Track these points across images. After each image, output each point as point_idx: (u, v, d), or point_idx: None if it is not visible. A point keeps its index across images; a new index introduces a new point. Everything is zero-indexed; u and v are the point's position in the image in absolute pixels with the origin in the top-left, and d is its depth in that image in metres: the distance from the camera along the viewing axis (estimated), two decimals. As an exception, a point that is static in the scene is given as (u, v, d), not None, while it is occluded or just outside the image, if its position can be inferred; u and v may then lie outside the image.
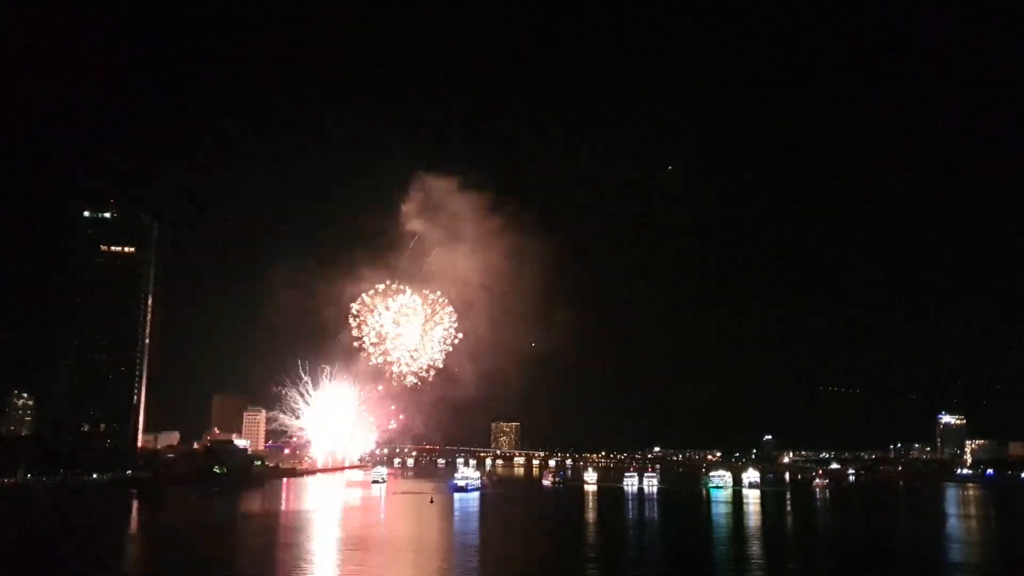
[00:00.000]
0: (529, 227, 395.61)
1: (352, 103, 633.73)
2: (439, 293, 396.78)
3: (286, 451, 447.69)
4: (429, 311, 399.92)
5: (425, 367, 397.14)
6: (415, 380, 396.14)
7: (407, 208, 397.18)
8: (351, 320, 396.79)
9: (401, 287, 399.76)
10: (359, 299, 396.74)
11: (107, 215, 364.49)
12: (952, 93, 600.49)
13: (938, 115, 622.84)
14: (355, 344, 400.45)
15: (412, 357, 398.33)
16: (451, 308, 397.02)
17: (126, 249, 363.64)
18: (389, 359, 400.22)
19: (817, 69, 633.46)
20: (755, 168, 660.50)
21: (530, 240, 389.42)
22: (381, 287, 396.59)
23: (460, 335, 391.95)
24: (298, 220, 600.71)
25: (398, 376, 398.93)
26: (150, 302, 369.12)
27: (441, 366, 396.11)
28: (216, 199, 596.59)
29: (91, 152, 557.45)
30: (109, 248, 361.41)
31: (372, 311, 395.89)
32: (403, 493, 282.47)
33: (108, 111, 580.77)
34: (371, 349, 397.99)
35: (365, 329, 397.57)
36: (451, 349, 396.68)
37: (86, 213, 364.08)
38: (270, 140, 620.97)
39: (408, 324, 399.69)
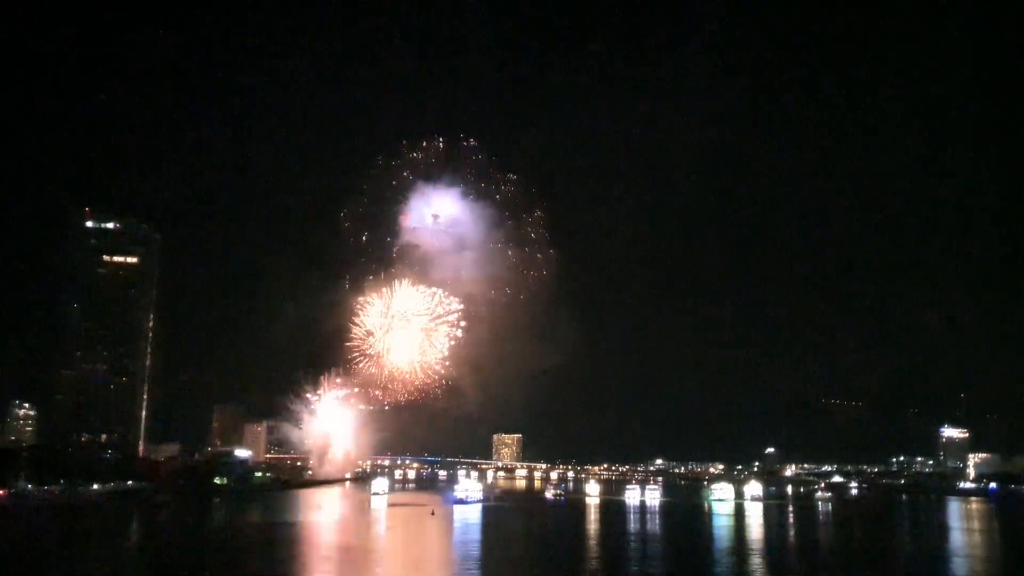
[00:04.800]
0: (534, 239, 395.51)
1: (356, 113, 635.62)
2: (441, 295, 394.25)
3: (287, 462, 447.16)
4: (432, 319, 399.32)
5: (428, 374, 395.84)
6: (416, 387, 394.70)
7: (410, 219, 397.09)
8: (352, 330, 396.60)
9: (403, 296, 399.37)
10: (360, 309, 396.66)
11: (110, 225, 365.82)
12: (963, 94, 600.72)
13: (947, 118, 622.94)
14: (356, 354, 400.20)
15: (414, 365, 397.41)
16: (454, 315, 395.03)
17: (129, 259, 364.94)
18: (392, 368, 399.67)
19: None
20: (757, 179, 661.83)
21: (535, 252, 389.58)
22: (381, 300, 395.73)
23: (459, 332, 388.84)
24: (301, 231, 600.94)
25: (400, 384, 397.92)
26: (152, 312, 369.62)
27: (442, 372, 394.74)
28: (219, 210, 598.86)
29: (94, 162, 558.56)
30: (112, 258, 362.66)
31: (372, 321, 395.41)
32: (404, 505, 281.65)
33: (112, 121, 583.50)
34: (370, 354, 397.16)
35: (366, 338, 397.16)
36: (449, 354, 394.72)
37: (89, 223, 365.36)
38: (273, 151, 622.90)
39: (410, 332, 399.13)
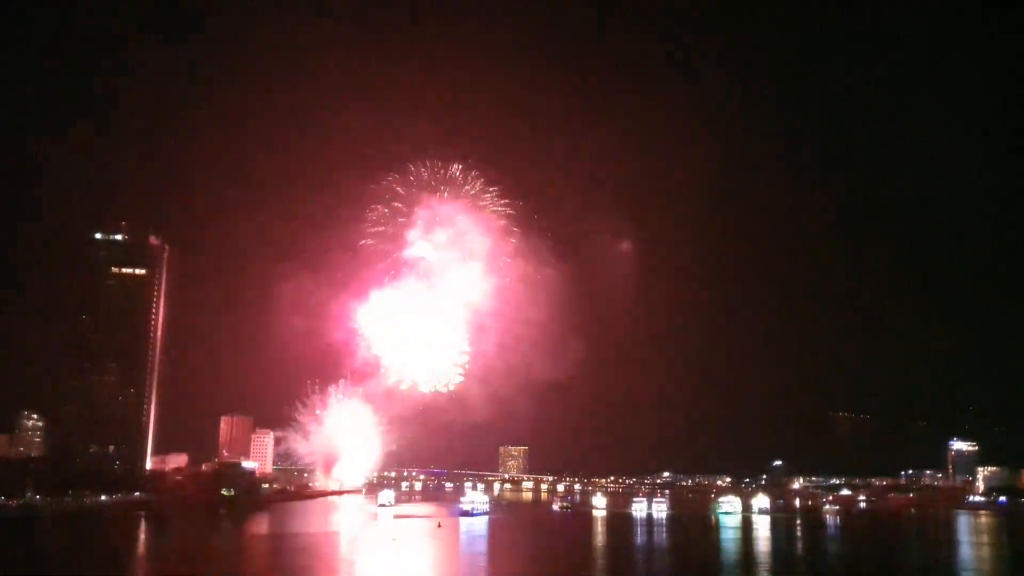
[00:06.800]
0: (542, 252, 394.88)
1: (362, 123, 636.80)
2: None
3: (294, 473, 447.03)
4: (438, 330, 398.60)
5: (434, 386, 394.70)
6: (423, 398, 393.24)
7: (417, 230, 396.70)
8: (358, 342, 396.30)
9: (410, 309, 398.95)
10: (366, 321, 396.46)
11: (118, 237, 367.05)
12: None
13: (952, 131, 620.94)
14: (362, 365, 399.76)
15: (421, 377, 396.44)
16: (460, 326, 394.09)
17: (136, 271, 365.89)
18: (399, 380, 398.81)
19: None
20: (763, 191, 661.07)
21: (543, 265, 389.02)
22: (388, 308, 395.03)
23: (466, 343, 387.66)
24: (308, 243, 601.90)
25: (407, 396, 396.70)
26: (160, 324, 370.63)
27: (448, 384, 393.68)
28: (226, 222, 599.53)
29: (103, 174, 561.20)
30: (120, 270, 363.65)
31: (378, 332, 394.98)
32: (410, 517, 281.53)
33: (121, 133, 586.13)
34: (376, 366, 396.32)
35: (372, 350, 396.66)
36: (462, 368, 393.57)
37: (97, 235, 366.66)
38: (281, 164, 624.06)
39: (417, 344, 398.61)
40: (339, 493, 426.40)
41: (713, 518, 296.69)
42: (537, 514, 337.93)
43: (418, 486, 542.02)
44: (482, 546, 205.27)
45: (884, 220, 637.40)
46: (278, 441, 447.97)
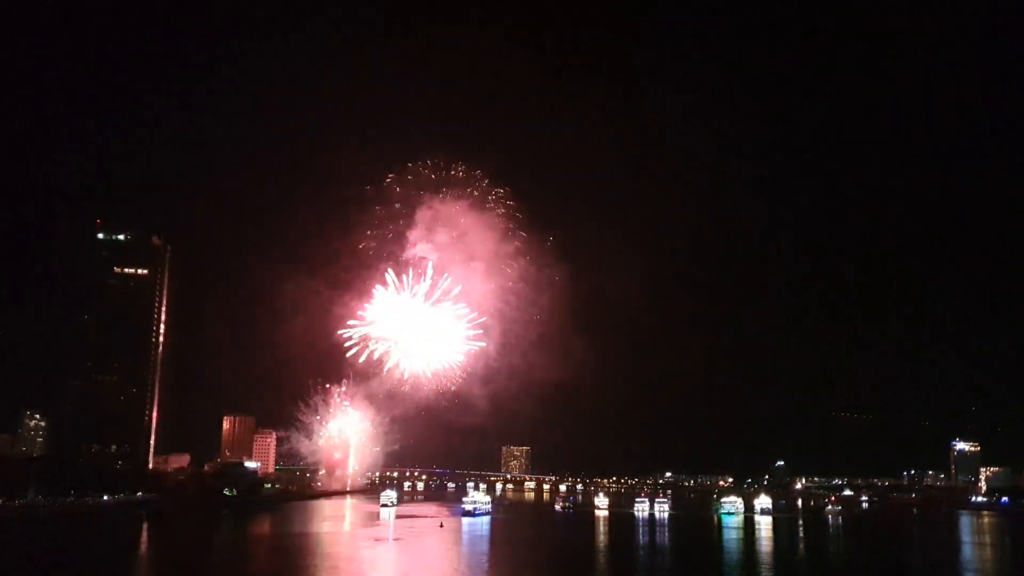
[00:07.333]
0: (545, 252, 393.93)
1: (364, 125, 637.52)
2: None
3: (297, 473, 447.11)
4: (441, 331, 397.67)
5: (437, 386, 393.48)
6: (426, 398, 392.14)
7: (419, 230, 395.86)
8: (361, 341, 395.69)
9: (412, 308, 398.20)
10: (368, 320, 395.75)
11: (121, 237, 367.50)
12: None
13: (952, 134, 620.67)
14: (365, 365, 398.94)
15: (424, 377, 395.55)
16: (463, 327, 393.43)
17: (139, 271, 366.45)
18: (401, 380, 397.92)
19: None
20: (771, 195, 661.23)
21: (545, 265, 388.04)
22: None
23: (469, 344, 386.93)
24: (309, 242, 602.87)
25: (409, 396, 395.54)
26: (162, 324, 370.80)
27: (451, 384, 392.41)
28: (228, 222, 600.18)
29: (106, 174, 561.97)
30: (122, 270, 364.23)
31: (381, 332, 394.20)
32: (412, 517, 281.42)
33: (123, 134, 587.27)
34: (380, 366, 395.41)
35: (375, 350, 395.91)
36: (464, 369, 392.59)
37: (100, 235, 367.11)
38: (282, 163, 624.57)
39: (419, 344, 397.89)
40: (342, 493, 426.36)
41: (715, 518, 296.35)
42: (539, 514, 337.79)
43: (420, 486, 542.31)
44: (484, 546, 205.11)
45: (886, 222, 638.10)
46: (280, 441, 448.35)
